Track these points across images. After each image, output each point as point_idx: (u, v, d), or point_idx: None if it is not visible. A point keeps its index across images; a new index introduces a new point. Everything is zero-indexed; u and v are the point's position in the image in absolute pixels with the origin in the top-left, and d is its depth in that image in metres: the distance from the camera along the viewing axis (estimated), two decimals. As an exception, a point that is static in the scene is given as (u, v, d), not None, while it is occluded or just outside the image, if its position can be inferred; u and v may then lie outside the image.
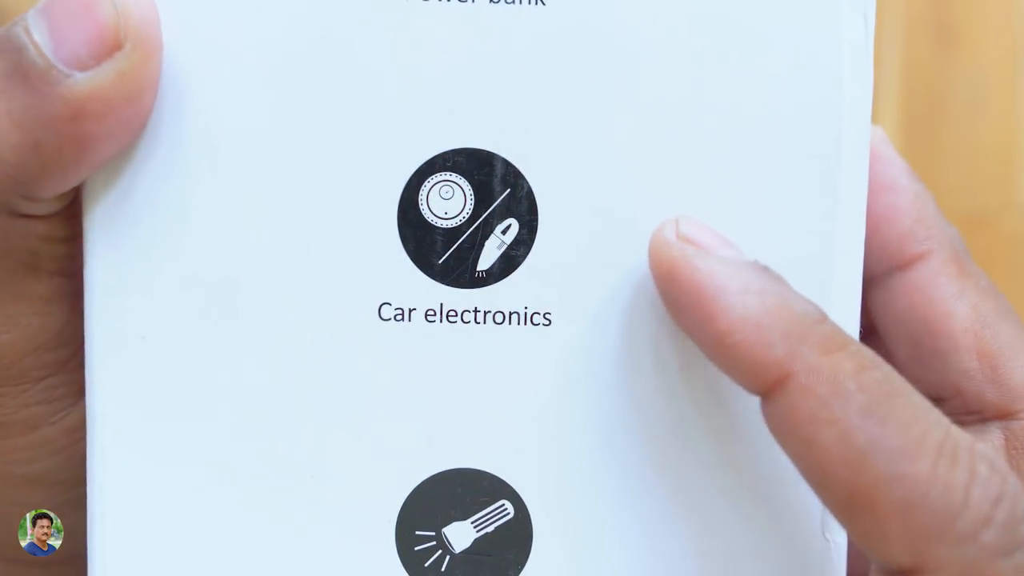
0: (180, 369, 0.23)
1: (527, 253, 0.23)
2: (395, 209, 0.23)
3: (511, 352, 0.23)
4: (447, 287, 0.23)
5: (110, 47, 0.21)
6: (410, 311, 0.23)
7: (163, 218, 0.23)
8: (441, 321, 0.23)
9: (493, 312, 0.23)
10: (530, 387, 0.23)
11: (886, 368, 0.21)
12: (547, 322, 0.23)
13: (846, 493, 0.20)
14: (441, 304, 0.23)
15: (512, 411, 0.23)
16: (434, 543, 0.24)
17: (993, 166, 0.57)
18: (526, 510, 0.24)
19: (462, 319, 0.23)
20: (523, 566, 0.24)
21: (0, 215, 0.22)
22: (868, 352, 0.21)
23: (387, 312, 0.23)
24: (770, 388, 0.21)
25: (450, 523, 0.24)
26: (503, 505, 0.24)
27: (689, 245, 0.22)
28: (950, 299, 0.25)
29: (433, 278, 0.23)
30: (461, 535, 0.24)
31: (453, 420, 0.23)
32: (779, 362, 0.21)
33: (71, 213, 0.23)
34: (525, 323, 0.23)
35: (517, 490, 0.24)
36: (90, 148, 0.21)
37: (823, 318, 0.21)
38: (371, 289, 0.23)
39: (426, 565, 0.24)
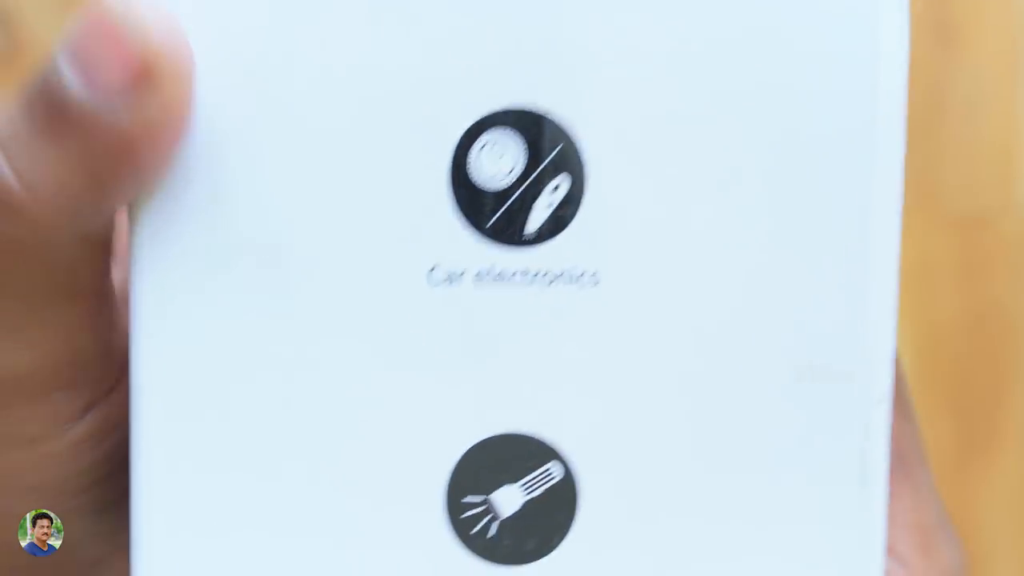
0: (227, 343, 0.23)
1: (575, 212, 0.23)
2: (446, 171, 0.23)
3: (559, 313, 0.23)
4: (497, 248, 0.23)
5: (150, 79, 0.22)
6: (460, 273, 0.23)
7: (209, 185, 0.23)
8: (491, 283, 0.23)
9: (542, 272, 0.23)
10: (578, 349, 0.23)
11: None
12: (595, 282, 0.23)
13: None
14: (492, 265, 0.23)
15: (560, 373, 0.23)
16: (483, 508, 0.24)
17: (993, 166, 0.57)
18: (573, 474, 0.24)
19: (512, 280, 0.23)
20: (569, 529, 0.24)
21: (54, 246, 0.23)
22: None
23: (437, 275, 0.23)
24: None
25: (499, 487, 0.24)
26: (550, 469, 0.24)
27: None
28: None
29: (483, 239, 0.23)
30: (510, 499, 0.24)
31: (501, 384, 0.23)
32: None
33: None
34: (574, 283, 0.23)
35: (564, 454, 0.24)
36: (143, 172, 0.22)
37: None
38: (421, 252, 0.23)
39: (473, 532, 0.24)
